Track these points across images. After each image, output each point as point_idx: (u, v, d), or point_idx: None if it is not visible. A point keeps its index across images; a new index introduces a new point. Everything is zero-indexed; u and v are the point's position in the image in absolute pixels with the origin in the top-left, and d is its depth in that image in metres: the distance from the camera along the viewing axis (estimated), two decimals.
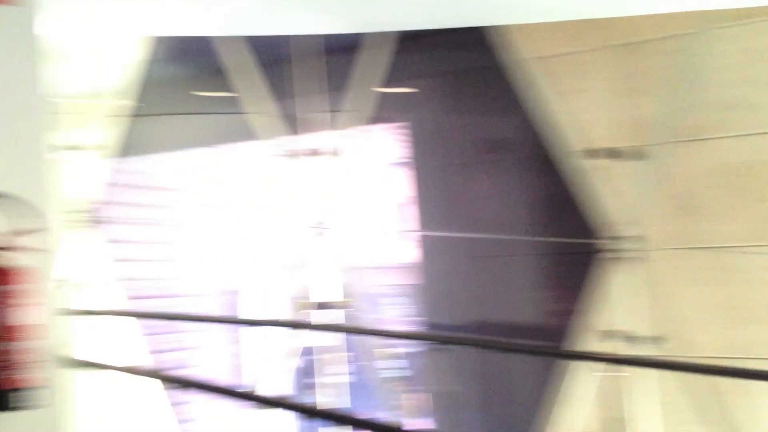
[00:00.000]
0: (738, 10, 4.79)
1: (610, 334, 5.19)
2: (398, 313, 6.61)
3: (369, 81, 6.00)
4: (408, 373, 6.43)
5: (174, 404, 6.45)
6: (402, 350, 6.44)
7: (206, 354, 7.36)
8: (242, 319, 7.56)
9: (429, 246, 6.09)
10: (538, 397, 5.50)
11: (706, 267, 4.99)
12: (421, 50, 5.88)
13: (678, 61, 5.03)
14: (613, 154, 5.21)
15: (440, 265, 6.02)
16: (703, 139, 5.01)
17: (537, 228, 5.64)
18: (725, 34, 4.93)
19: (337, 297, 5.85)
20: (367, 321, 6.13)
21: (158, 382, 5.29)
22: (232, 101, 6.16)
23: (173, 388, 4.71)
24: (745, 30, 4.88)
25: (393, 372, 6.41)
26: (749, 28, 4.86)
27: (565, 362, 5.34)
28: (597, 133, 5.30)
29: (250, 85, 6.12)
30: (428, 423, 6.00)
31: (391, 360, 6.38)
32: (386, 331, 5.50)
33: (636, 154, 5.15)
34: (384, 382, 6.24)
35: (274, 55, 5.90)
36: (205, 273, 7.57)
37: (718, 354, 4.89)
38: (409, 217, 6.21)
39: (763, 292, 4.83)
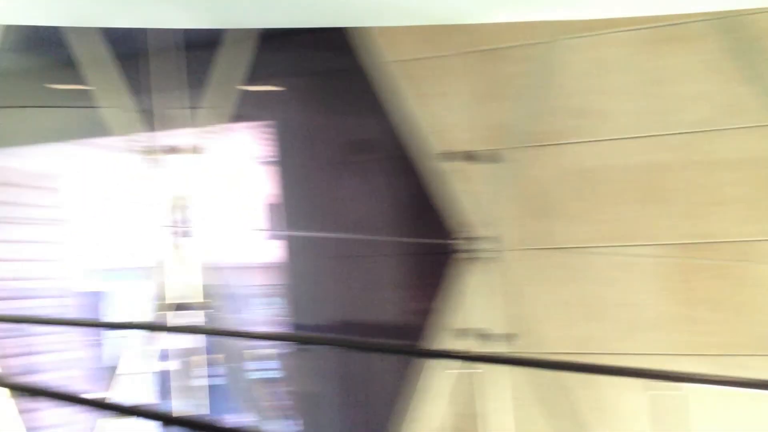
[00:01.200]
0: (586, 21, 5.02)
1: (465, 332, 5.31)
2: (263, 313, 6.54)
3: (230, 78, 5.89)
4: (275, 375, 6.37)
5: (22, 412, 6.12)
6: (269, 351, 6.37)
7: (60, 359, 7.02)
8: (94, 322, 7.25)
9: (294, 246, 6.05)
10: (397, 395, 5.56)
11: (557, 267, 5.19)
12: (284, 49, 5.83)
13: (534, 69, 5.21)
14: (471, 157, 5.33)
15: (305, 265, 6.00)
16: (557, 144, 5.20)
17: (398, 228, 5.72)
18: (576, 44, 5.15)
19: (197, 298, 5.73)
20: (230, 322, 6.02)
21: (3, 390, 5.01)
22: (86, 95, 5.92)
23: (20, 396, 4.45)
24: (593, 41, 5.12)
25: (260, 374, 6.33)
26: (597, 40, 5.11)
27: (422, 360, 5.43)
28: (457, 136, 5.41)
29: (105, 79, 5.88)
30: (294, 425, 5.97)
31: (258, 362, 6.31)
32: (245, 333, 5.42)
33: (493, 158, 5.28)
34: (251, 384, 6.15)
35: (131, 49, 5.70)
36: (60, 273, 7.22)
37: (567, 350, 5.09)
38: (274, 216, 6.16)
39: (609, 291, 5.07)
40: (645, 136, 5.02)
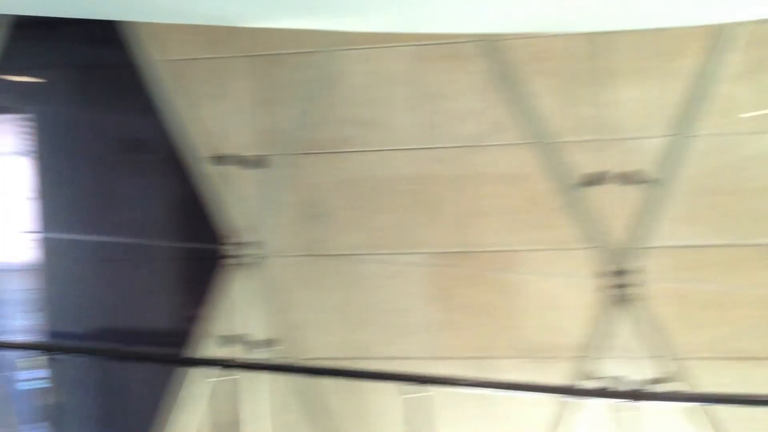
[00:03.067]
0: (367, 34, 5.12)
1: (229, 339, 5.27)
2: (17, 320, 6.08)
3: None
4: (32, 385, 5.95)
5: None
6: (27, 362, 5.93)
7: None
8: None
9: (54, 247, 5.70)
10: (157, 404, 5.40)
11: (329, 273, 5.26)
12: (46, 39, 5.48)
13: (314, 77, 5.24)
14: (245, 161, 5.28)
15: (65, 268, 5.67)
16: (334, 153, 5.27)
17: (166, 232, 5.56)
18: (356, 55, 5.24)
19: None
20: None
21: None
22: None
23: None
24: (373, 53, 5.23)
25: (17, 385, 5.89)
26: (377, 52, 5.21)
27: (183, 368, 5.31)
28: (232, 140, 5.34)
29: None
30: None
31: (16, 372, 5.86)
32: None
33: (267, 163, 5.27)
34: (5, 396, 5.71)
35: None
36: None
37: (335, 355, 5.17)
38: (32, 215, 5.76)
39: (379, 297, 5.21)
40: (418, 148, 5.20)
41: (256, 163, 5.27)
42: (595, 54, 4.94)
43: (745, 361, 4.78)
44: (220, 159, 5.30)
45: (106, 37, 5.34)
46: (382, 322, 5.20)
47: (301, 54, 5.27)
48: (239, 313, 5.33)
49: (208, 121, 5.36)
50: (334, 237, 5.27)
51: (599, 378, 4.82)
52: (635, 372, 4.80)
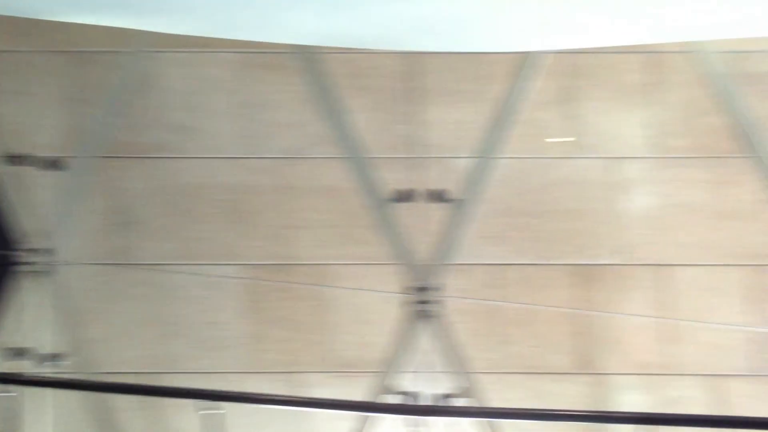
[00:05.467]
0: (184, 37, 4.96)
1: (18, 352, 4.99)
2: None
3: None
4: None
5: None
6: None
7: None
8: None
9: None
10: None
11: (135, 284, 5.08)
12: None
13: (127, 78, 5.06)
14: (43, 162, 5.03)
15: None
16: (144, 158, 5.10)
17: None
18: (173, 58, 5.10)
19: None
20: None
21: None
22: None
23: None
24: (192, 57, 5.11)
25: None
26: (194, 57, 5.10)
27: None
28: (33, 139, 5.07)
29: None
30: None
31: None
32: None
33: (69, 165, 5.05)
34: None
35: None
36: None
37: (141, 370, 4.99)
38: None
39: (188, 309, 5.09)
40: (235, 158, 5.12)
41: (58, 164, 5.03)
42: (413, 74, 5.04)
43: (543, 376, 5.00)
44: (17, 159, 5.03)
45: None
46: (191, 335, 5.08)
47: (114, 53, 5.07)
48: (30, 324, 5.05)
49: (7, 117, 5.07)
50: (142, 246, 5.09)
51: (400, 393, 4.92)
52: (435, 387, 4.94)
